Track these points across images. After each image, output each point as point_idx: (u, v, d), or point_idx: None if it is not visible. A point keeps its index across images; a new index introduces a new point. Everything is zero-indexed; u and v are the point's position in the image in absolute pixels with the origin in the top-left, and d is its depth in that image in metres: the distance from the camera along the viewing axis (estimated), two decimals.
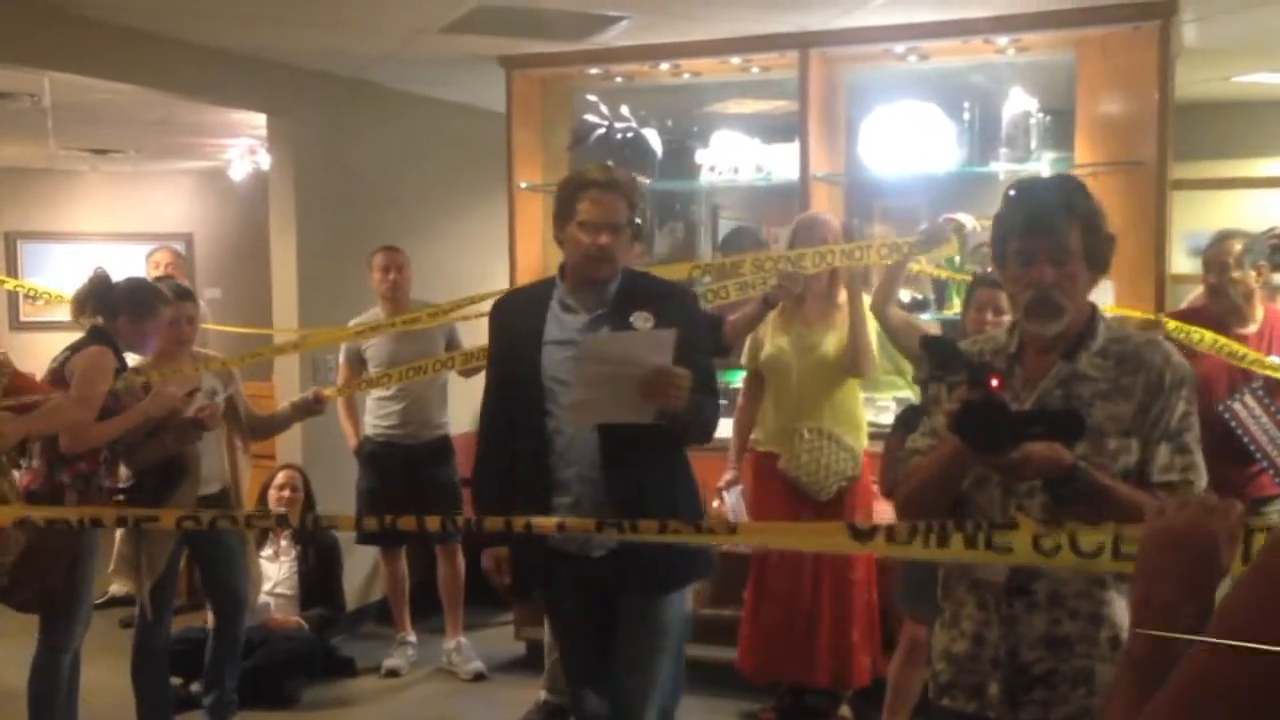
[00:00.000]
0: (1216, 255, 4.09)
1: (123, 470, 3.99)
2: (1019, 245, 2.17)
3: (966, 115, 4.87)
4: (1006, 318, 3.67)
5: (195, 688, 4.55)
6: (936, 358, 2.14)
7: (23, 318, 8.26)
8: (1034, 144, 4.71)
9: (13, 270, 8.02)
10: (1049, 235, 2.14)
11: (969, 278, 3.90)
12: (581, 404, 2.81)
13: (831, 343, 4.21)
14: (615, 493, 2.86)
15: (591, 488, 2.88)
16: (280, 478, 5.31)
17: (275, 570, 5.27)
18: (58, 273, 7.40)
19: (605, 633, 3.02)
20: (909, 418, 3.92)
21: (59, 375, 3.78)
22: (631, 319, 2.85)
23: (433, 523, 2.16)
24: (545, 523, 2.38)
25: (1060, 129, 4.76)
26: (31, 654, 3.85)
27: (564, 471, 2.91)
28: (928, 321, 4.52)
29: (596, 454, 2.87)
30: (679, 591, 3.07)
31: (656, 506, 2.68)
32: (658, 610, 2.99)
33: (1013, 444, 1.94)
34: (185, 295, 4.21)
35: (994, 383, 1.95)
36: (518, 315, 3.02)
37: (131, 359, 4.14)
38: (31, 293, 6.67)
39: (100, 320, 3.88)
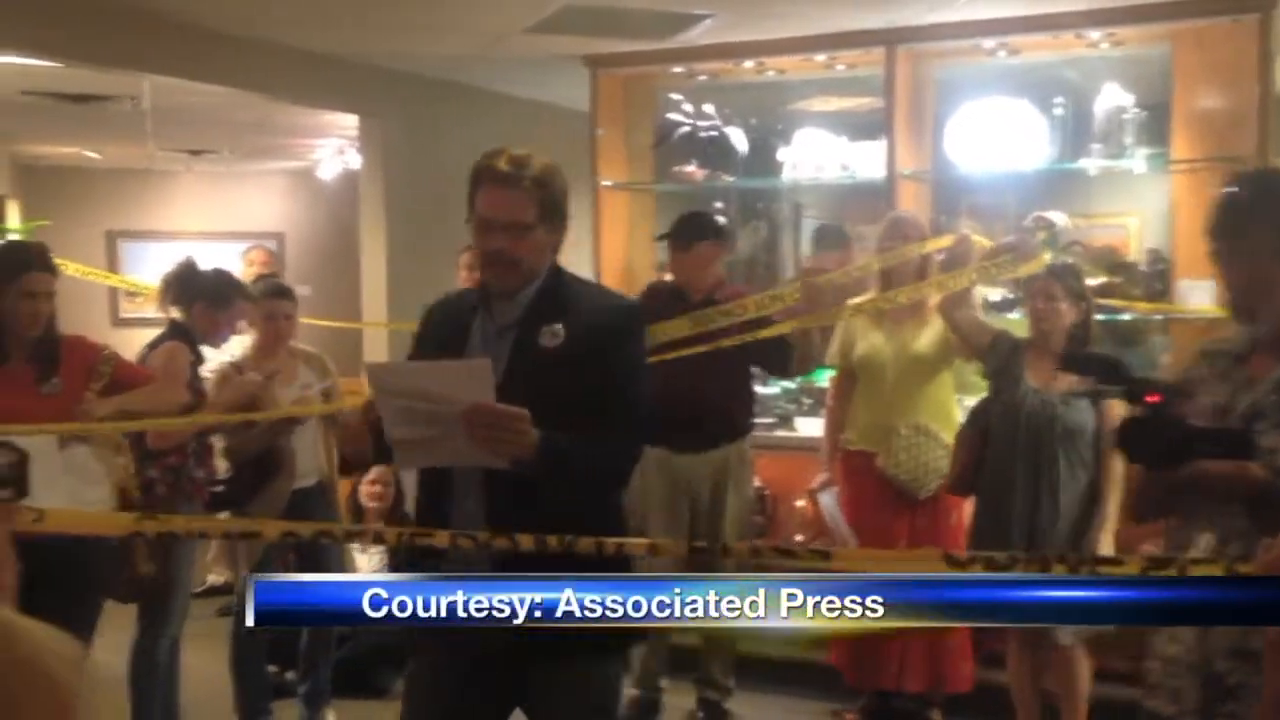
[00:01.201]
0: None
1: (221, 463, 4.11)
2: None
3: (1058, 111, 4.79)
4: (1061, 305, 3.67)
5: (290, 676, 4.67)
6: (1091, 370, 2.12)
7: (122, 314, 8.53)
8: (1128, 139, 4.62)
9: (113, 268, 8.29)
10: (1225, 237, 2.10)
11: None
12: (400, 443, 2.29)
13: (926, 338, 4.17)
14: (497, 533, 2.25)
15: (475, 523, 2.33)
16: (371, 473, 5.41)
17: (366, 561, 5.37)
18: (155, 270, 7.62)
19: None
20: (978, 413, 3.90)
21: None
22: (540, 332, 2.38)
23: (525, 540, 2.04)
24: (636, 543, 2.07)
25: (1156, 124, 4.66)
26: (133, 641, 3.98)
27: (461, 503, 2.39)
28: (1016, 321, 4.46)
29: (481, 489, 2.36)
30: (611, 658, 2.45)
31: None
32: (583, 686, 2.38)
33: (1180, 461, 1.90)
34: (284, 293, 4.33)
35: (1151, 399, 1.92)
36: (442, 321, 2.57)
37: (224, 356, 4.28)
38: (133, 289, 6.88)
39: (178, 310, 4.03)
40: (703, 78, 5.51)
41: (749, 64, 5.34)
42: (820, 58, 5.18)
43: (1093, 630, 3.57)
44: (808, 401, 5.15)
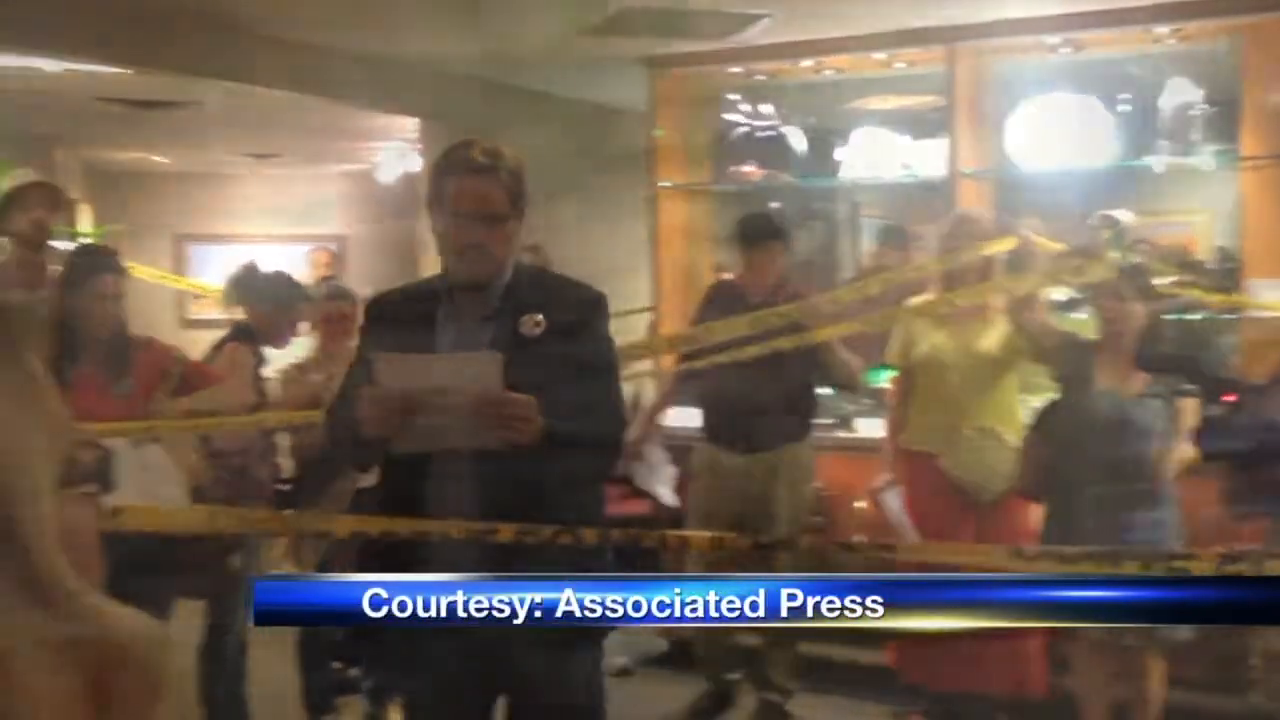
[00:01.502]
0: None
1: (288, 463, 4.18)
2: None
3: (1123, 107, 4.72)
4: (1131, 305, 3.61)
5: (355, 672, 4.72)
6: (1170, 369, 2.11)
7: (190, 315, 8.70)
8: (1196, 136, 4.54)
9: (181, 271, 8.45)
10: None
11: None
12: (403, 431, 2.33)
13: (991, 339, 4.10)
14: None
15: (466, 515, 2.34)
16: None
17: None
18: (222, 273, 7.76)
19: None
20: (1046, 415, 3.85)
21: None
22: (520, 322, 2.38)
23: (589, 535, 2.07)
24: (700, 537, 2.10)
25: (1224, 120, 4.57)
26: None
27: (448, 493, 2.38)
28: (1083, 320, 4.39)
29: (475, 480, 2.35)
30: (591, 649, 2.47)
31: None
32: (564, 677, 2.40)
33: (1263, 460, 1.88)
34: (345, 295, 4.40)
35: (1229, 398, 1.91)
36: (396, 314, 2.52)
37: (288, 358, 4.35)
38: (200, 291, 7.01)
39: (242, 310, 4.11)
40: (760, 77, 5.50)
41: (807, 63, 5.32)
42: (879, 56, 5.15)
43: (1166, 633, 3.49)
44: (867, 402, 5.12)
